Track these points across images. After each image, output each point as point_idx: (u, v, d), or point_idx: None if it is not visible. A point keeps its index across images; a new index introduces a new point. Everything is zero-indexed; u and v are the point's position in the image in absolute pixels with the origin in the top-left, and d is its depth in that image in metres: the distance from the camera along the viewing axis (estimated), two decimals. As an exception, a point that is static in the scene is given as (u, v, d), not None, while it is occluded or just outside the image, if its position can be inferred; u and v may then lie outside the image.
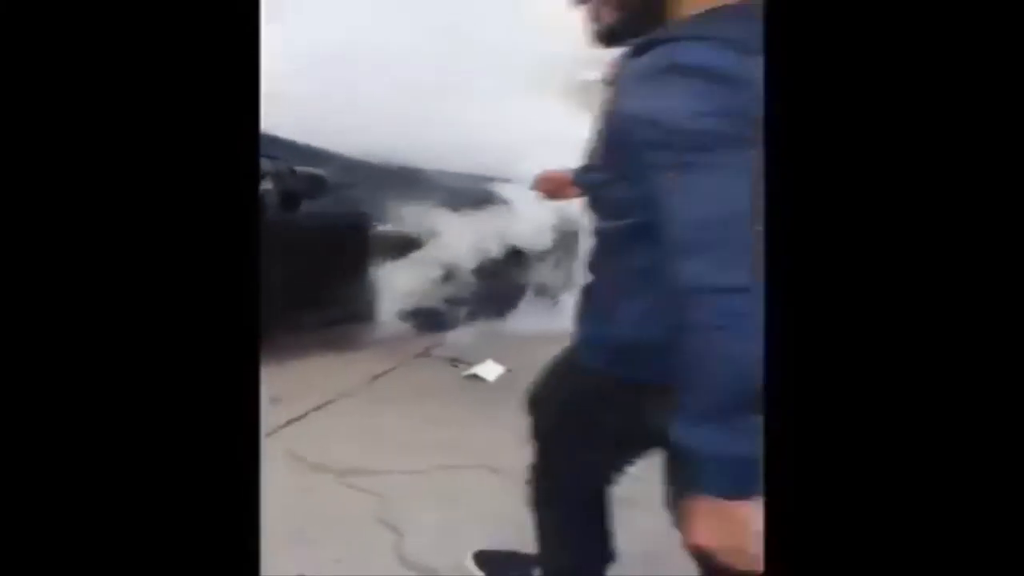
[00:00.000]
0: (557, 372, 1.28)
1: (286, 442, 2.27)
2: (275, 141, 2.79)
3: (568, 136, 1.71)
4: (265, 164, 2.70)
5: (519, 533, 1.57)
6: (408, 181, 3.09)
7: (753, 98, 0.75)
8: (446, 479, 2.08)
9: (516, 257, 3.35)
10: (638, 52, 0.90)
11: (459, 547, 1.73)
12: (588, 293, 1.11)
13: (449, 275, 3.16)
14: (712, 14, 0.88)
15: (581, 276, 1.14)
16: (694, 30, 0.87)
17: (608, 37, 1.02)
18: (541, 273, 3.60)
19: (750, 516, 0.82)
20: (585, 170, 1.16)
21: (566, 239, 3.46)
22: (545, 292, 3.63)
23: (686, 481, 0.88)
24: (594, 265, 1.10)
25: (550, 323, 3.02)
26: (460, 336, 3.33)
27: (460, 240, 3.13)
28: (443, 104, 3.11)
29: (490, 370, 2.85)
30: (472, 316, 3.43)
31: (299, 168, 2.66)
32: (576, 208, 1.50)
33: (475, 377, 2.84)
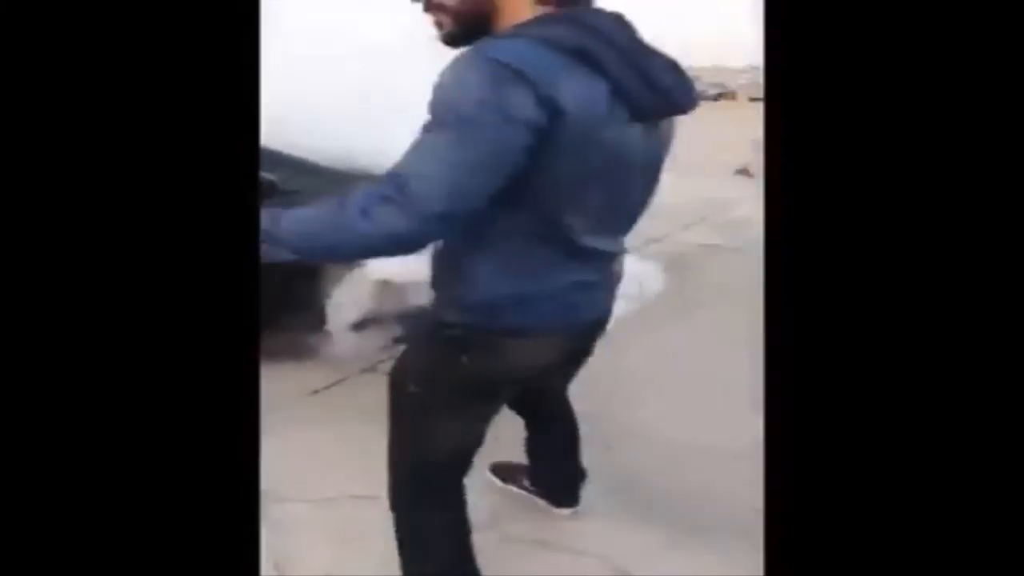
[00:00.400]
0: (416, 344, 1.42)
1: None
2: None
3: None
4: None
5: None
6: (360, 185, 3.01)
7: (519, 100, 0.97)
8: (350, 510, 2.01)
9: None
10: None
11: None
12: (440, 258, 1.26)
13: (404, 287, 3.09)
14: (531, 21, 1.07)
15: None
16: (513, 31, 1.06)
17: (451, 41, 1.17)
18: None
19: None
20: None
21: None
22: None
23: None
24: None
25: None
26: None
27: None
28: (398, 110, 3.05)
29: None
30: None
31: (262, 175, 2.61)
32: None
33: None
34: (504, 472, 2.15)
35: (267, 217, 1.11)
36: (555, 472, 2.05)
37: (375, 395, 2.71)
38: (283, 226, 1.11)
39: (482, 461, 2.12)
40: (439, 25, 1.17)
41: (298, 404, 2.67)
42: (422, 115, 1.04)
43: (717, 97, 39.11)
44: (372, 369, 3.08)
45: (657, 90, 1.09)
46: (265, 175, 2.68)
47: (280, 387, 2.77)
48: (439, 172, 0.99)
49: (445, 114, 1.00)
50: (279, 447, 2.36)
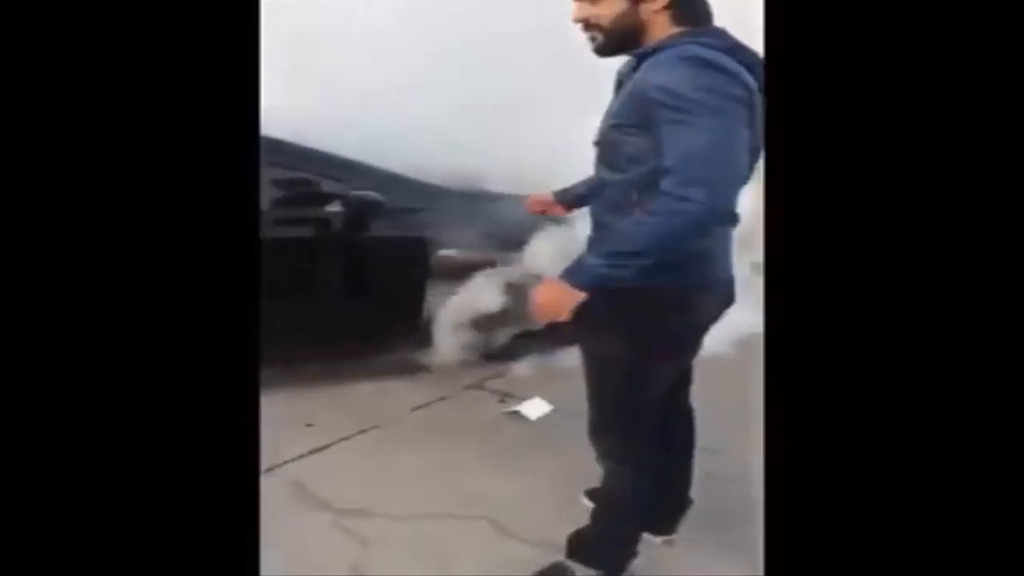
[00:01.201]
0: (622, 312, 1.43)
1: (299, 473, 2.21)
2: (345, 164, 2.81)
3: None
4: (332, 186, 2.72)
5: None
6: (474, 205, 2.97)
7: (728, 81, 1.27)
8: (440, 529, 1.92)
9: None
10: (647, 54, 1.37)
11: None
12: (602, 232, 1.47)
13: (514, 304, 3.01)
14: (687, 33, 1.36)
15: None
16: (689, 38, 1.33)
17: (601, 52, 1.46)
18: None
19: (572, 296, 1.31)
20: (567, 190, 1.87)
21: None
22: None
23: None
24: (602, 214, 1.49)
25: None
26: (526, 368, 3.17)
27: (530, 265, 2.96)
28: (505, 123, 3.01)
29: (535, 408, 2.67)
30: (537, 349, 3.27)
31: (356, 192, 2.64)
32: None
33: (517, 415, 2.66)
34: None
35: (619, 239, 1.31)
36: (659, 496, 1.85)
37: (469, 414, 2.71)
38: (632, 247, 1.27)
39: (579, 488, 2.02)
40: (592, 39, 1.44)
41: (397, 421, 2.63)
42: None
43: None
44: (478, 387, 3.00)
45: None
46: (372, 194, 2.69)
47: (385, 404, 2.76)
48: (711, 153, 1.22)
49: (690, 105, 1.24)
50: (378, 463, 2.33)
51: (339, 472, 2.23)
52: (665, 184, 1.24)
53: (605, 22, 1.39)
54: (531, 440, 2.48)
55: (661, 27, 1.38)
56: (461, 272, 2.94)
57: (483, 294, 2.90)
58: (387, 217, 2.76)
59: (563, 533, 1.73)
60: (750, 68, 1.31)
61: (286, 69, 2.46)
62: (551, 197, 1.91)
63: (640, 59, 1.39)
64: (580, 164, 3.03)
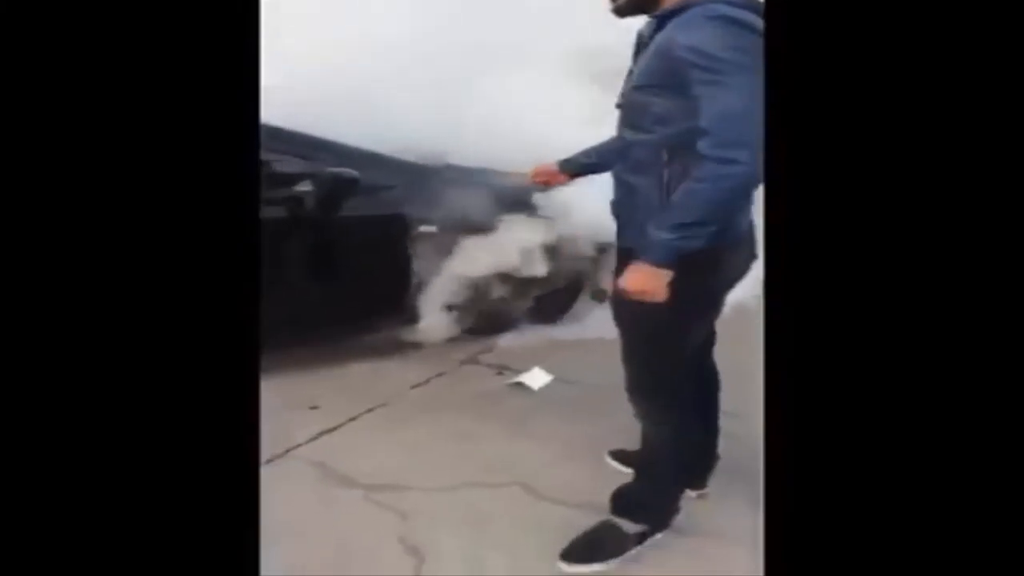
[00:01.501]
0: None
1: (318, 454, 2.20)
2: (311, 141, 2.74)
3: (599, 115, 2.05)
4: (301, 165, 2.65)
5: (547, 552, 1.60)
6: (448, 180, 2.96)
7: (757, 40, 1.27)
8: (476, 498, 1.95)
9: (567, 260, 3.19)
10: (670, 15, 1.39)
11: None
12: (627, 192, 1.53)
13: (498, 278, 3.04)
14: None
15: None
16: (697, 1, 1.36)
17: (620, 12, 1.51)
18: (592, 275, 3.44)
19: (663, 275, 1.37)
20: (572, 158, 1.92)
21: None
22: (599, 296, 3.47)
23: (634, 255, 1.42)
24: (627, 173, 1.53)
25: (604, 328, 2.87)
26: (512, 341, 3.21)
27: (507, 242, 2.99)
28: (474, 96, 3.03)
29: (536, 379, 2.71)
30: (527, 321, 3.31)
31: (331, 168, 2.59)
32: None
33: (520, 386, 2.70)
34: (623, 458, 2.07)
35: (678, 211, 1.34)
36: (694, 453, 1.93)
37: (470, 388, 2.73)
38: (695, 216, 1.32)
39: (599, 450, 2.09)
40: (613, 0, 1.50)
41: (399, 399, 2.63)
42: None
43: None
44: (472, 361, 3.03)
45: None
46: (347, 171, 2.64)
47: (384, 383, 2.76)
48: (748, 114, 1.22)
49: (725, 65, 1.28)
50: (393, 438, 2.33)
51: (357, 450, 2.22)
52: (704, 147, 1.28)
53: None
54: (537, 408, 2.53)
55: None
56: (442, 247, 2.93)
57: (473, 263, 2.91)
58: (362, 195, 2.72)
59: (596, 493, 1.79)
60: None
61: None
62: (555, 167, 1.94)
63: (662, 20, 1.41)
64: (550, 137, 3.10)
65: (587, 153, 1.88)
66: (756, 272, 1.69)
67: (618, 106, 1.57)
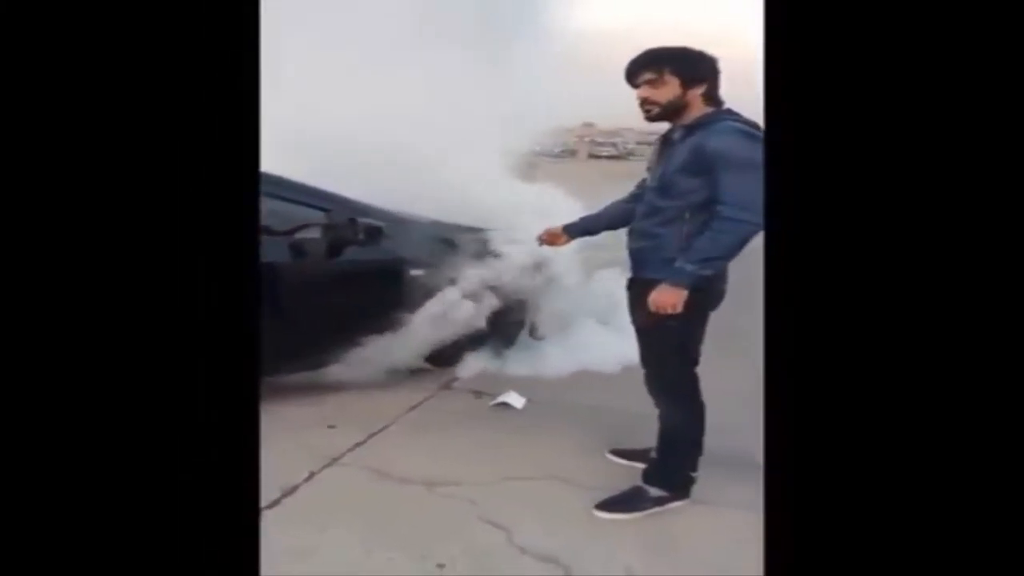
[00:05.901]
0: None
1: (365, 461, 2.49)
2: (326, 196, 3.07)
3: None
4: (318, 215, 2.96)
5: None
6: (430, 232, 3.40)
7: (758, 144, 1.90)
8: (526, 487, 2.36)
9: (514, 301, 3.70)
10: (698, 125, 2.01)
11: (571, 532, 2.04)
12: (652, 240, 2.11)
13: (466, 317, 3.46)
14: (720, 111, 2.05)
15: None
16: (724, 116, 2.02)
17: (653, 119, 2.10)
18: (531, 314, 3.98)
19: (683, 294, 1.97)
20: (575, 223, 2.50)
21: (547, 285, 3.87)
22: (534, 332, 4.02)
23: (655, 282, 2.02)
24: (654, 227, 2.10)
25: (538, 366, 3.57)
26: (466, 370, 3.61)
27: (474, 284, 3.44)
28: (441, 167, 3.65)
29: (515, 399, 3.16)
30: (475, 351, 3.74)
31: (361, 219, 2.92)
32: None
33: (503, 406, 3.14)
34: (622, 454, 2.60)
35: (707, 245, 1.95)
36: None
37: (459, 407, 3.12)
38: (714, 253, 1.95)
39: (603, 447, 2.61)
40: (647, 111, 2.09)
41: (405, 417, 2.97)
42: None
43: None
44: (447, 387, 3.41)
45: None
46: (374, 222, 2.98)
47: (381, 407, 3.07)
48: (756, 191, 1.81)
49: (740, 161, 1.90)
50: (422, 447, 2.66)
51: (396, 458, 2.53)
52: (724, 210, 1.92)
53: (662, 100, 2.06)
54: (530, 422, 2.97)
55: (697, 107, 2.06)
56: (427, 289, 3.33)
57: (454, 305, 3.33)
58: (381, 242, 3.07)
59: (621, 479, 2.30)
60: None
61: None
62: (559, 230, 2.51)
63: (691, 128, 2.03)
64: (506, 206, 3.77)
65: (589, 220, 2.50)
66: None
67: (652, 185, 2.17)
